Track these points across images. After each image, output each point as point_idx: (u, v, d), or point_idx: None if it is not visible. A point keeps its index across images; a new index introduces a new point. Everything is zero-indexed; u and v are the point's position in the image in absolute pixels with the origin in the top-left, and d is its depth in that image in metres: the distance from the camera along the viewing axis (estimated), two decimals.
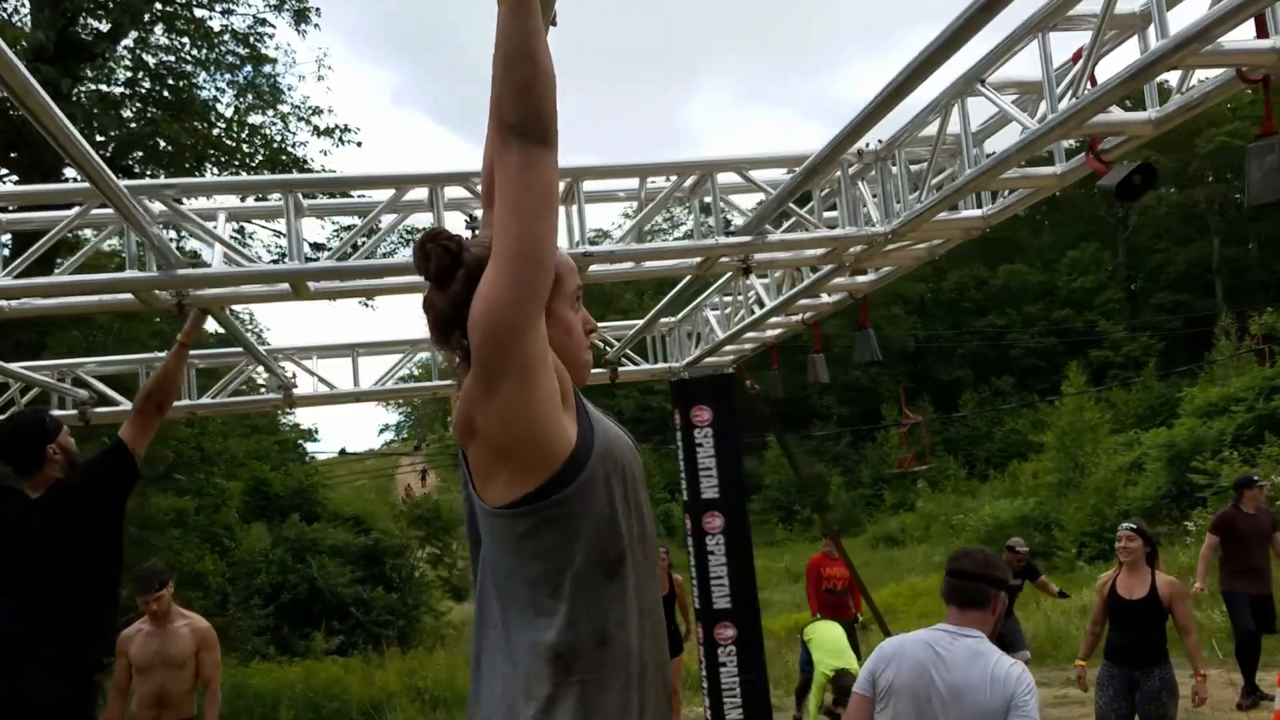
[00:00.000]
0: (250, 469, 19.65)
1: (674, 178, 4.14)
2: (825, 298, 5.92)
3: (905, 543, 30.34)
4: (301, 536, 17.96)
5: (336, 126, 16.99)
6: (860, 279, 5.41)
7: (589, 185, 4.10)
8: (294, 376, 6.70)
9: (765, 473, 41.10)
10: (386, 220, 4.19)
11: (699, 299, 7.04)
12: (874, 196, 4.33)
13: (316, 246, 13.22)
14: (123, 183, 3.12)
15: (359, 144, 17.41)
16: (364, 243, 4.32)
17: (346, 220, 12.01)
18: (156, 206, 3.64)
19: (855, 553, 35.06)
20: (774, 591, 24.23)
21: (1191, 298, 39.86)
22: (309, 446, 30.77)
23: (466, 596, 21.33)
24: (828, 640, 9.07)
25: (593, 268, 4.19)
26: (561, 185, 4.04)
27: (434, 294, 1.64)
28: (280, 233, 3.91)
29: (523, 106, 1.48)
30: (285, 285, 3.83)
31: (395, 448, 58.05)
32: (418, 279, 4.02)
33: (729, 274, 6.13)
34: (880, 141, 4.22)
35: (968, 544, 24.93)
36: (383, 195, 3.99)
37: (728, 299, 6.52)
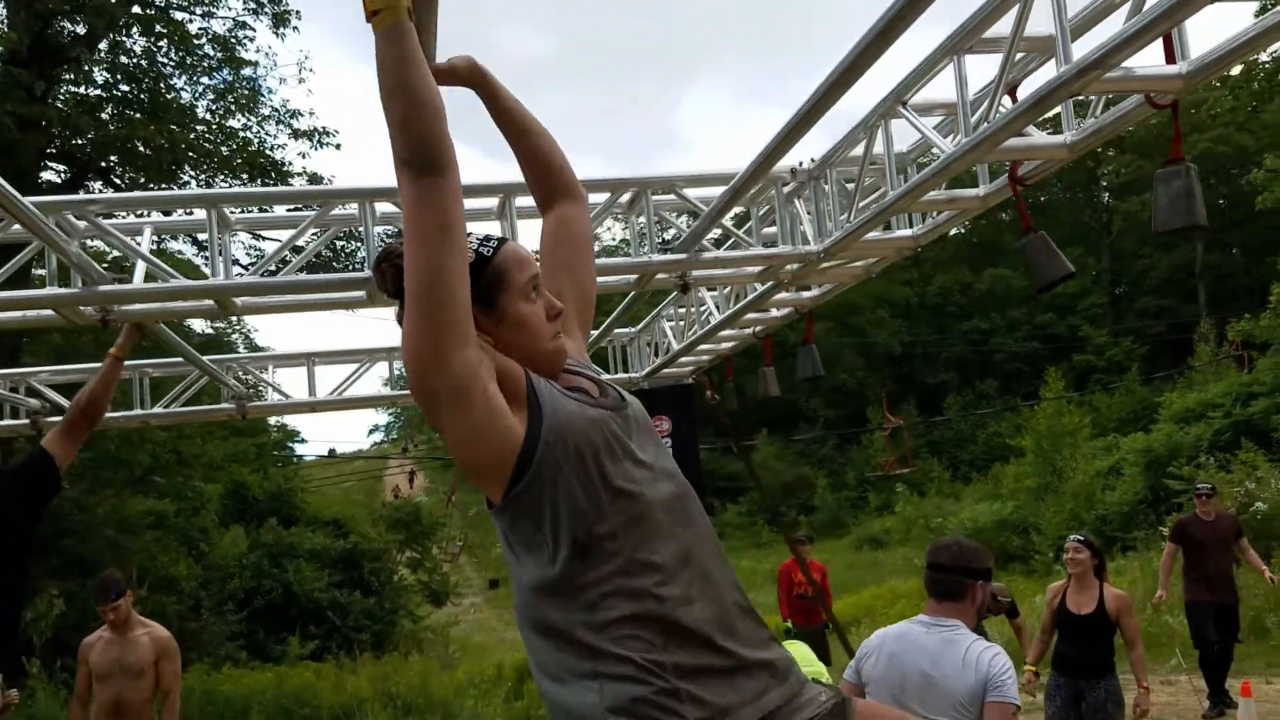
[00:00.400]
0: (229, 472, 19.60)
1: (609, 194, 4.15)
2: (774, 311, 5.93)
3: (888, 545, 30.46)
4: (279, 540, 17.92)
5: (315, 129, 17.00)
6: (805, 294, 5.43)
7: (521, 201, 4.10)
8: (254, 387, 6.70)
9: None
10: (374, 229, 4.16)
11: (656, 310, 7.07)
12: (809, 214, 4.35)
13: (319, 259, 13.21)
14: (38, 199, 3.12)
15: (338, 146, 17.39)
16: (352, 253, 4.33)
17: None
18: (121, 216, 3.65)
19: (839, 554, 35.32)
20: (758, 594, 24.28)
21: (1175, 303, 40.08)
22: (297, 448, 30.76)
23: (445, 601, 21.29)
24: (796, 657, 9.12)
25: None
26: (494, 201, 4.05)
27: (401, 310, 1.64)
28: (253, 245, 3.90)
29: (405, 137, 1.47)
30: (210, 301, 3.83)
31: (385, 449, 57.99)
32: (351, 294, 4.03)
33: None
34: (813, 160, 4.24)
35: None
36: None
37: (683, 310, 6.54)
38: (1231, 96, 25.50)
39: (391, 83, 1.46)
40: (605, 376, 6.62)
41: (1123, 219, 42.05)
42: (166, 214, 3.96)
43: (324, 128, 16.88)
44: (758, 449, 41.98)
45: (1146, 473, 20.88)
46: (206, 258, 4.21)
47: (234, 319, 19.42)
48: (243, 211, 4.17)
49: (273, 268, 3.99)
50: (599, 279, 4.66)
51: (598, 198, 4.12)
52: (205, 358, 6.23)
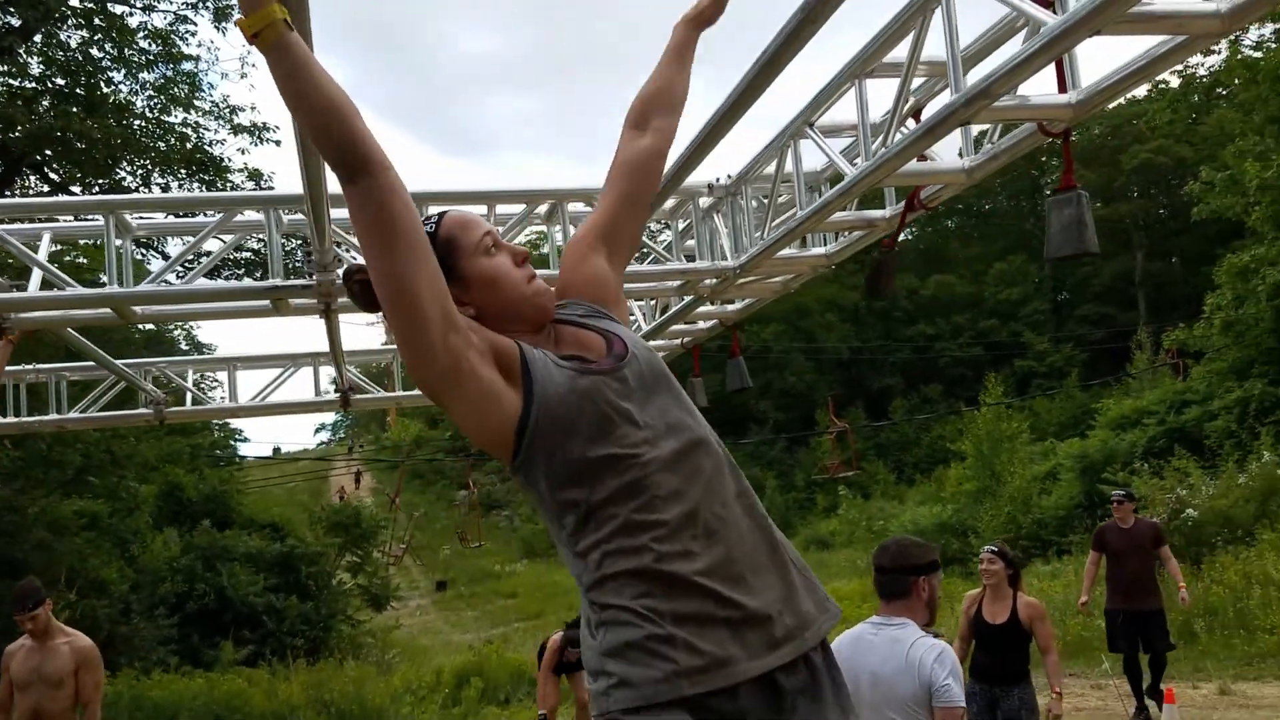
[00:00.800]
0: (163, 473, 19.24)
1: (524, 205, 4.14)
2: (701, 324, 5.96)
3: (834, 546, 30.80)
4: (213, 543, 17.61)
5: (256, 125, 16.79)
6: (730, 308, 5.46)
7: (573, 208, 4.08)
8: (170, 393, 6.58)
9: None
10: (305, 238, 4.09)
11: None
12: (727, 230, 4.37)
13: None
14: None
15: (278, 143, 17.15)
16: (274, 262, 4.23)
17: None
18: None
19: None
20: None
21: (1115, 310, 40.92)
22: (240, 448, 30.24)
23: (385, 605, 21.09)
24: None
25: None
26: (545, 206, 4.01)
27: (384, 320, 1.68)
28: (254, 255, 3.82)
29: (323, 146, 1.48)
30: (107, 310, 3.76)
31: (330, 450, 57.34)
32: (254, 303, 3.96)
33: None
34: (730, 176, 4.26)
35: None
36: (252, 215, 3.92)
37: None
38: (1170, 110, 26.08)
39: (290, 98, 1.46)
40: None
41: None
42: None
43: (265, 123, 16.68)
44: None
45: (1082, 478, 21.30)
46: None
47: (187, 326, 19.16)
48: (181, 216, 4.12)
49: (178, 273, 3.92)
50: None
51: (511, 209, 4.11)
52: (123, 361, 6.12)
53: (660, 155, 1.95)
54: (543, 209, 4.15)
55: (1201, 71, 24.86)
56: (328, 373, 6.80)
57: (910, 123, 3.28)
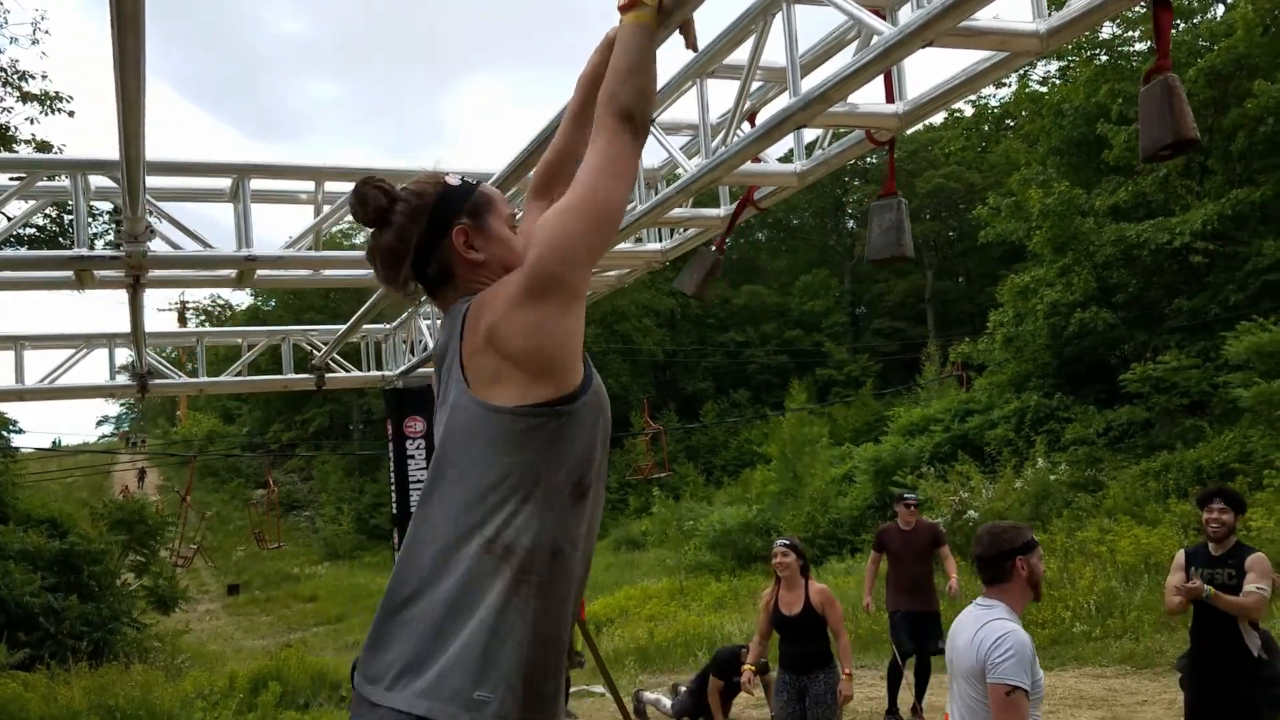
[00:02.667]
0: None
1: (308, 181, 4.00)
2: None
3: (645, 546, 31.31)
4: None
5: (48, 94, 15.61)
6: None
7: (260, 184, 3.89)
8: None
9: None
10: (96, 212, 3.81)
11: (413, 308, 6.92)
12: None
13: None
14: None
15: (71, 114, 15.96)
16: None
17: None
18: None
19: (598, 556, 35.48)
20: None
21: (906, 325, 43.59)
22: (15, 439, 27.72)
23: (174, 607, 19.91)
24: None
25: (262, 272, 3.99)
26: (227, 183, 3.82)
27: (376, 237, 1.84)
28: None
29: (640, 103, 1.81)
30: None
31: (113, 443, 53.61)
32: (57, 274, 3.67)
33: None
34: None
35: (697, 547, 25.72)
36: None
37: (432, 306, 6.43)
38: (963, 136, 27.96)
39: (637, 65, 1.82)
40: (356, 374, 6.39)
41: (864, 244, 45.12)
42: None
43: (58, 92, 15.57)
44: None
45: (875, 480, 22.53)
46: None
47: None
48: None
49: None
50: (341, 272, 4.52)
51: (284, 185, 3.97)
52: None
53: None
54: None
55: (993, 102, 26.87)
56: (125, 355, 6.38)
57: (747, 125, 3.40)
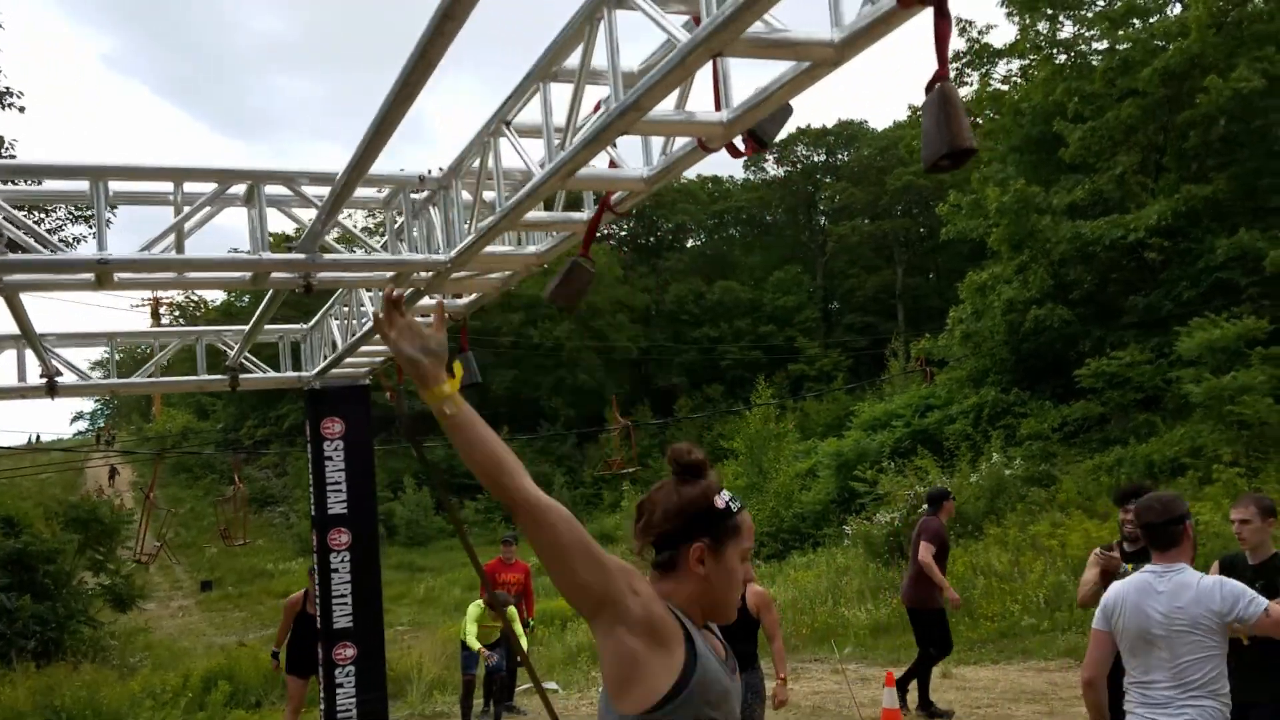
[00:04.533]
0: None
1: (215, 185, 4.01)
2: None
3: (617, 540, 31.43)
4: None
5: None
6: (459, 302, 5.50)
7: (119, 186, 3.89)
8: None
9: None
10: None
11: (325, 308, 6.92)
12: (440, 223, 4.41)
13: None
14: None
15: (22, 109, 15.88)
16: None
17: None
18: None
19: None
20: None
21: (877, 320, 43.80)
22: None
23: (131, 606, 19.82)
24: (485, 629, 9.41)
25: (125, 275, 3.99)
26: (84, 186, 3.82)
27: (637, 519, 2.08)
28: None
29: (490, 489, 1.88)
30: None
31: (86, 439, 53.25)
32: None
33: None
34: (441, 169, 4.30)
35: None
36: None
37: (346, 310, 6.43)
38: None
39: (459, 449, 1.86)
40: (273, 375, 6.36)
41: (835, 241, 45.35)
42: None
43: (8, 88, 15.54)
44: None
45: (838, 475, 22.64)
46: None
47: None
48: None
49: None
50: (209, 274, 4.54)
51: (202, 188, 3.98)
52: None
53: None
54: (240, 189, 4.05)
55: (964, 91, 26.96)
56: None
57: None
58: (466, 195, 4.22)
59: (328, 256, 4.19)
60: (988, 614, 13.44)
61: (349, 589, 7.32)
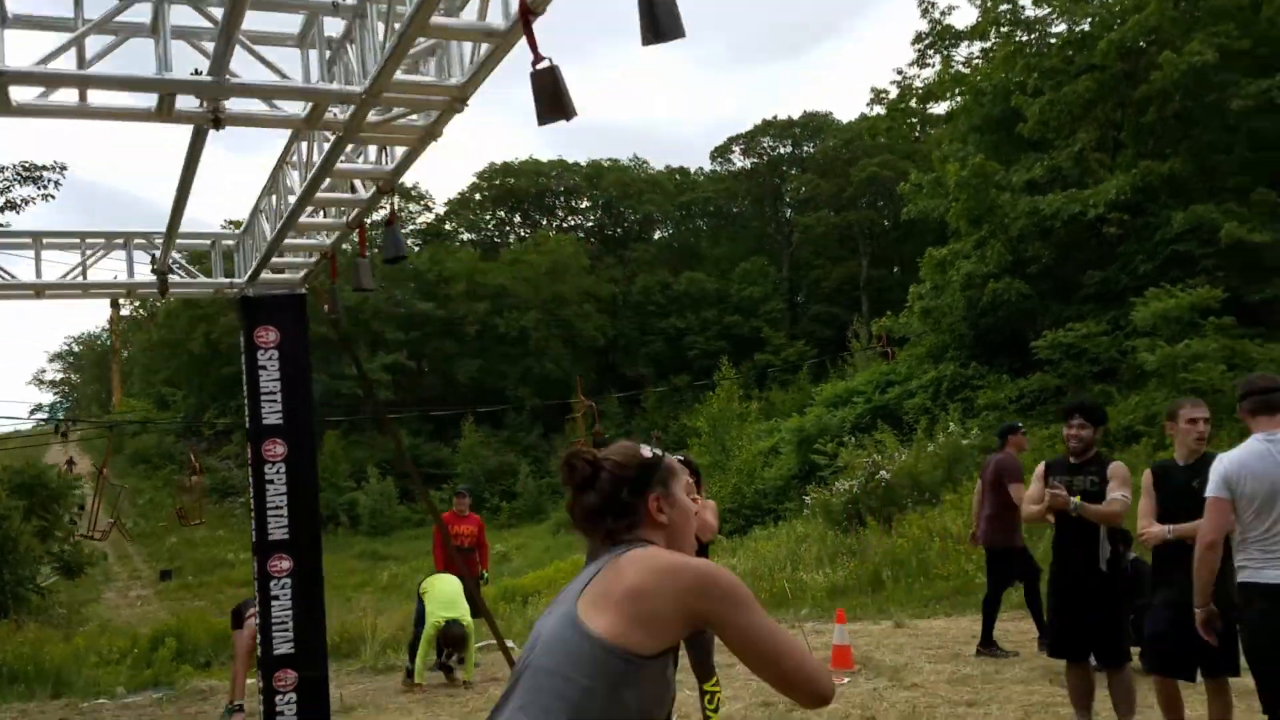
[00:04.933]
0: None
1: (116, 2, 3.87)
2: (361, 191, 5.82)
3: None
4: None
5: None
6: (385, 168, 5.37)
7: (15, 6, 3.75)
8: None
9: (458, 461, 41.28)
10: None
11: (254, 204, 6.76)
12: (355, 53, 4.29)
13: None
14: None
15: None
16: None
17: None
18: None
19: (538, 538, 35.61)
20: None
21: (842, 311, 44.02)
22: None
23: (79, 574, 19.49)
24: (442, 593, 9.11)
25: (23, 99, 3.84)
26: None
27: (578, 497, 2.09)
28: None
29: (795, 694, 1.95)
30: None
31: (46, 430, 52.41)
32: None
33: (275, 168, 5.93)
34: None
35: None
36: None
37: (274, 200, 6.28)
38: (889, 118, 28.24)
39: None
40: (203, 280, 6.17)
41: (801, 232, 45.52)
42: None
43: None
44: (464, 436, 41.87)
45: (799, 450, 22.67)
46: None
47: None
48: None
49: None
50: (112, 102, 4.40)
51: (104, 4, 3.84)
52: None
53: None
54: (145, 10, 3.92)
55: (917, 83, 27.16)
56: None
57: None
58: (382, 27, 4.11)
59: (236, 81, 4.07)
60: (943, 573, 13.50)
61: (284, 501, 7.14)
